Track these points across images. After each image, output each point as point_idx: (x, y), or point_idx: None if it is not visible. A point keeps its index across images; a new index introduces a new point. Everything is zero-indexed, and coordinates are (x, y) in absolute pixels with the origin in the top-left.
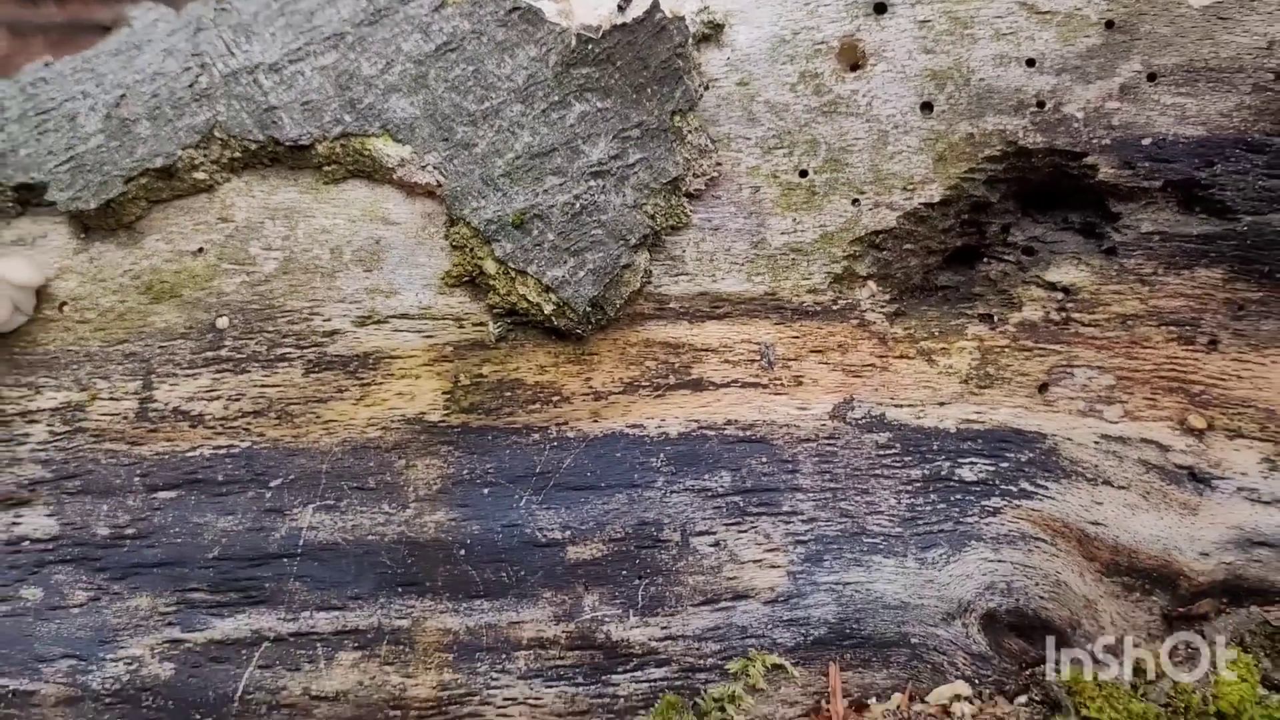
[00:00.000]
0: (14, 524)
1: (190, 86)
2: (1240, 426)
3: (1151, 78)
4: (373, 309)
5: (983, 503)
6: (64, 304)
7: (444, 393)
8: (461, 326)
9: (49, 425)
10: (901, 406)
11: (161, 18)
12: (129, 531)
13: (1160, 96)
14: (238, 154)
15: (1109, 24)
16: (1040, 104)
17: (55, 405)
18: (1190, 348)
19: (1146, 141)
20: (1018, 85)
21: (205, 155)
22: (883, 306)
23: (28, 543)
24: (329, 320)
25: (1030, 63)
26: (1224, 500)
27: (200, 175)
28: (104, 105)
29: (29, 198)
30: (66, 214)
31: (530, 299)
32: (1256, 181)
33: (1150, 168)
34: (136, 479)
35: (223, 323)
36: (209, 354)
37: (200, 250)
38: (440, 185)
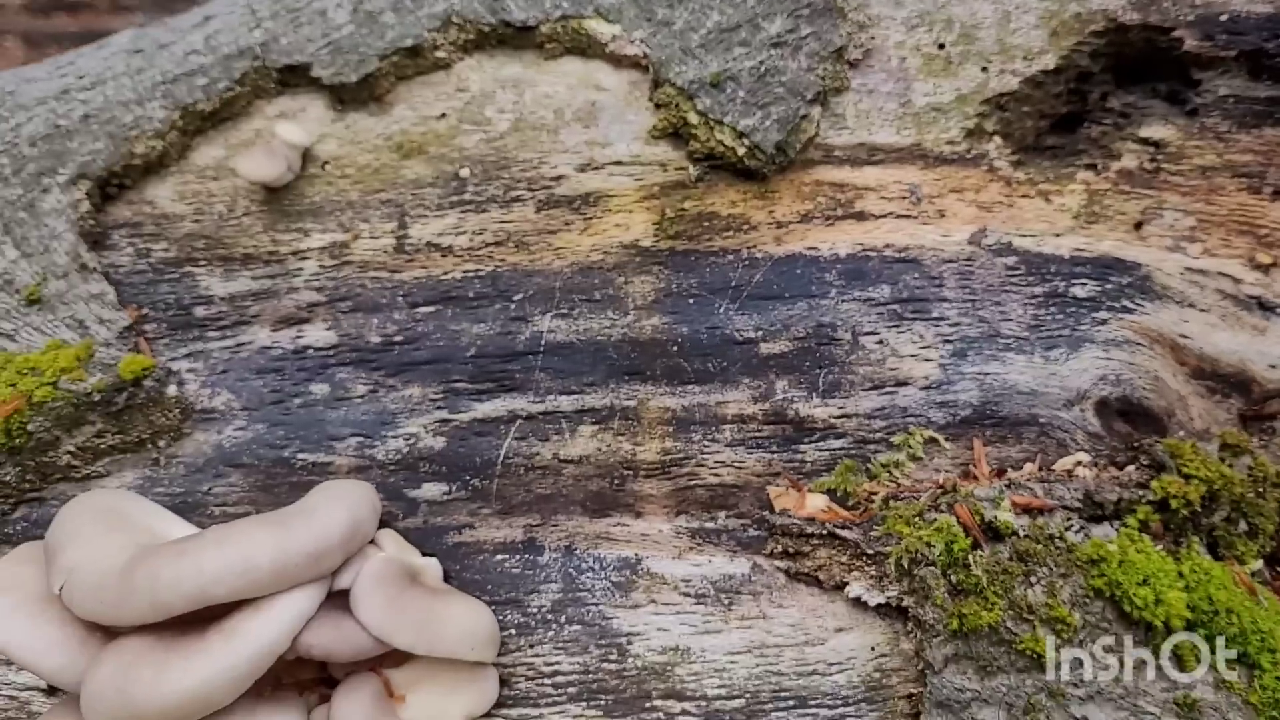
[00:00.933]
0: (298, 337)
1: None
2: None
3: None
4: (591, 157)
5: (1093, 314)
6: (325, 163)
7: (653, 223)
8: (665, 170)
9: (319, 260)
10: (1025, 236)
11: None
12: (397, 339)
13: None
14: (471, 36)
15: None
16: None
17: (323, 245)
18: (1258, 196)
19: (1224, 17)
20: None
21: (445, 38)
22: (1007, 157)
23: (312, 350)
24: (555, 167)
25: None
26: None
27: (440, 54)
28: (349, 2)
29: (289, 78)
30: (326, 89)
31: (727, 143)
32: None
33: (1226, 40)
34: (399, 298)
35: (464, 172)
36: (454, 198)
37: (443, 115)
38: (646, 56)
